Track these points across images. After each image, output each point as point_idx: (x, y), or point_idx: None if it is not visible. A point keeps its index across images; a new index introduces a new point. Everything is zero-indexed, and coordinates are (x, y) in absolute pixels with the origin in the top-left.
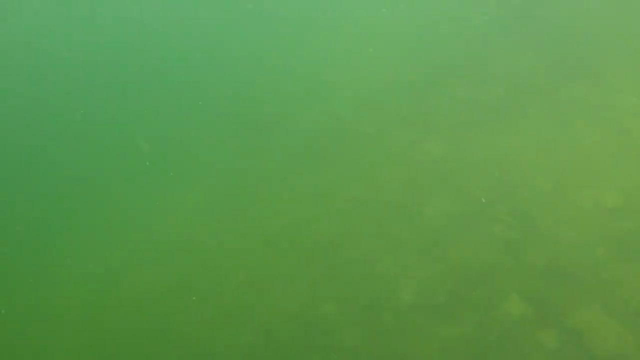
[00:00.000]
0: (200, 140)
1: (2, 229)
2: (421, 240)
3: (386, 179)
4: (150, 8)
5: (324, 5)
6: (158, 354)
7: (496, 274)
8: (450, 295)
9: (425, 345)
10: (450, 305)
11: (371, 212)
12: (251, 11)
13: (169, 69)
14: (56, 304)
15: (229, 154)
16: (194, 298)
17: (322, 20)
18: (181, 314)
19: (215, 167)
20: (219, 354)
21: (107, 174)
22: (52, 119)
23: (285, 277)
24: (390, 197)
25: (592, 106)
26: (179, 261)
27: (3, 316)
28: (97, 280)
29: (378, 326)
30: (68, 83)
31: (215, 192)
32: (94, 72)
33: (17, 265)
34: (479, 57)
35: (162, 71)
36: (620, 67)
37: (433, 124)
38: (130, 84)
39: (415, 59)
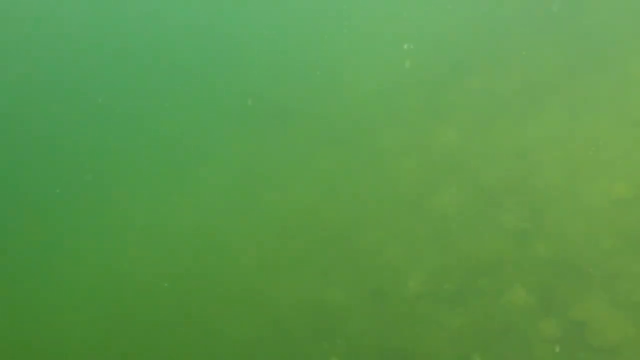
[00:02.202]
0: (210, 128)
1: (10, 219)
2: (430, 230)
3: (398, 168)
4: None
5: None
6: (166, 339)
7: (503, 265)
8: (457, 284)
9: (432, 332)
10: (457, 294)
11: (381, 201)
12: (266, 5)
13: (181, 62)
14: (67, 294)
15: (240, 142)
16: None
17: (336, 13)
18: (189, 300)
19: (226, 155)
20: (227, 338)
21: (117, 162)
22: (63, 109)
23: (293, 264)
24: (401, 186)
25: (606, 99)
26: (187, 247)
27: (12, 309)
28: (105, 267)
29: (385, 314)
30: (81, 74)
31: (225, 180)
32: (107, 64)
33: (23, 259)
34: (496, 51)
35: (175, 64)
36: (636, 60)
37: (447, 115)
38: (144, 76)
39: (431, 51)
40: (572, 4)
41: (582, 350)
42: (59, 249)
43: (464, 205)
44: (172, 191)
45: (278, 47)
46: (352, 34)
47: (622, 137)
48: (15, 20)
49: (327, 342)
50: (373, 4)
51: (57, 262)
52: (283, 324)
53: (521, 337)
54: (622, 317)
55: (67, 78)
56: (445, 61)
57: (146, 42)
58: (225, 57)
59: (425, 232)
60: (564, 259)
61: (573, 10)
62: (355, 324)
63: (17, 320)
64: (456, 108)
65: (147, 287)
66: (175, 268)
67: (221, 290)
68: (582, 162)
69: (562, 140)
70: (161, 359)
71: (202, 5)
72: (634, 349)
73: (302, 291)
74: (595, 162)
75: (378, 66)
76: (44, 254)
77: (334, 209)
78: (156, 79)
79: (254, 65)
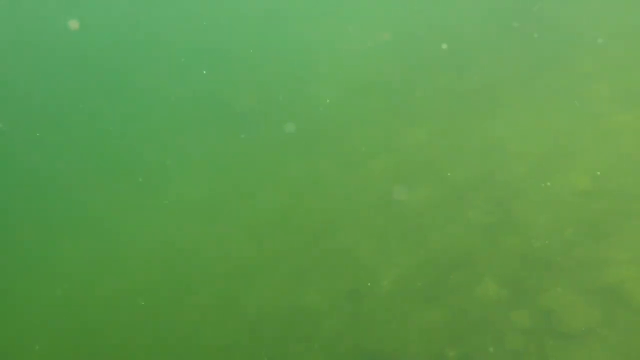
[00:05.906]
0: (183, 132)
1: None
2: (401, 228)
3: (368, 167)
4: (137, 4)
5: None
6: (144, 345)
7: (473, 258)
8: (430, 279)
9: (407, 329)
10: (430, 290)
11: (352, 201)
12: (238, 5)
13: (153, 64)
14: (36, 305)
15: (214, 145)
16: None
17: (307, 12)
18: (166, 305)
19: (200, 159)
20: (204, 342)
21: (92, 171)
22: (45, 117)
23: (267, 269)
24: (373, 185)
25: (565, 94)
26: (159, 257)
27: None
28: (76, 277)
29: (360, 312)
30: (57, 80)
31: (199, 184)
32: (77, 71)
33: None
34: (460, 51)
35: (147, 66)
36: (591, 56)
37: (415, 113)
38: (115, 81)
39: (398, 51)
40: (532, 3)
41: (552, 338)
42: (28, 260)
43: (432, 202)
44: (140, 202)
45: (243, 51)
46: (319, 35)
47: (582, 131)
48: None
49: (304, 345)
50: (339, 4)
51: (25, 273)
52: (259, 328)
53: (493, 327)
54: (586, 302)
55: (30, 79)
56: (411, 62)
57: (106, 51)
58: (190, 64)
59: (396, 230)
60: (531, 250)
61: (533, 13)
62: (331, 325)
63: None
64: (422, 108)
65: (120, 297)
66: (149, 277)
67: (195, 298)
68: (544, 156)
69: (525, 135)
70: None
71: (158, 9)
72: (601, 332)
73: (276, 295)
74: (557, 156)
75: (345, 67)
76: (11, 265)
77: (305, 212)
78: (117, 88)
79: (221, 70)
